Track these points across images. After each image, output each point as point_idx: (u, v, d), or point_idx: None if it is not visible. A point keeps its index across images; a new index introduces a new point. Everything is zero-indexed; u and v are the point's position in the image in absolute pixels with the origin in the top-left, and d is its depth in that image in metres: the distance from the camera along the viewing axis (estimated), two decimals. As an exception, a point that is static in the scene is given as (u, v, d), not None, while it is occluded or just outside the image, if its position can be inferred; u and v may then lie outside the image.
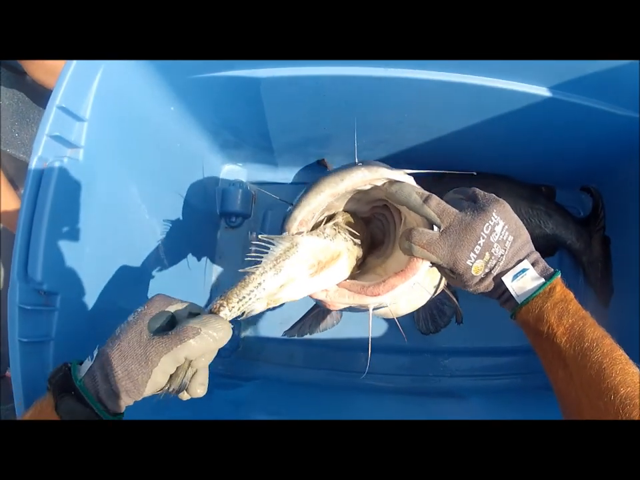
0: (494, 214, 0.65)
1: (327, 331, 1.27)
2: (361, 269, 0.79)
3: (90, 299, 0.84)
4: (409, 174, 0.73)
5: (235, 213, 1.35)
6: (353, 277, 0.75)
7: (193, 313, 0.64)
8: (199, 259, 1.29)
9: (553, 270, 0.67)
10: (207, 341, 0.59)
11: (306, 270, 0.67)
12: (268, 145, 1.23)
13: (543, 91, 0.95)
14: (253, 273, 0.64)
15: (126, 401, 0.60)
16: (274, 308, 0.73)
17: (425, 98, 0.99)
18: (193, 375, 0.63)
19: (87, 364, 0.61)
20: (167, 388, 0.62)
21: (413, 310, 0.90)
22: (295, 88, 0.97)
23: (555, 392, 0.66)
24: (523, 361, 1.30)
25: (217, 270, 1.37)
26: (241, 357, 1.37)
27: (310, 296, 0.71)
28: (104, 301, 0.88)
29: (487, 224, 0.64)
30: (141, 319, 0.61)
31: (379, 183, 0.69)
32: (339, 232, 0.72)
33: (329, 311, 1.13)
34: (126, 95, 0.87)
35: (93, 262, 0.84)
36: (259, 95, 0.99)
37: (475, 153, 1.22)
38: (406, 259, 0.71)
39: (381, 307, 0.76)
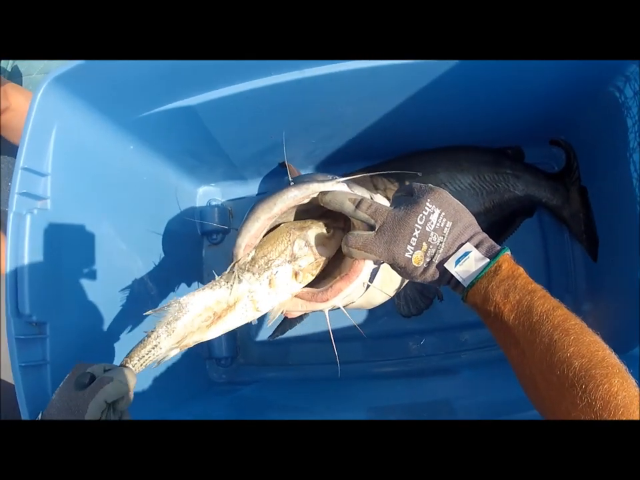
0: (427, 203, 0.65)
1: (319, 326, 1.36)
2: (322, 275, 0.81)
3: (77, 323, 0.95)
4: (342, 181, 0.76)
5: (215, 230, 1.44)
6: (311, 283, 0.78)
7: (107, 369, 0.73)
8: (187, 279, 1.38)
9: (499, 248, 0.66)
10: (118, 384, 0.70)
11: (202, 322, 0.73)
12: (228, 161, 1.32)
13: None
14: (149, 336, 0.73)
15: None
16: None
17: (356, 88, 1.02)
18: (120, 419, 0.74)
19: None
20: None
21: (388, 298, 0.92)
22: (228, 106, 1.04)
23: (513, 370, 0.65)
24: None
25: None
26: (241, 364, 1.46)
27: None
28: (91, 324, 0.99)
29: (421, 215, 0.65)
30: (68, 382, 0.72)
31: (314, 196, 0.73)
32: (240, 275, 0.74)
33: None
34: (83, 144, 0.97)
35: (73, 291, 0.95)
36: (199, 119, 1.07)
37: (429, 130, 1.24)
38: (351, 262, 0.74)
39: (336, 308, 0.78)
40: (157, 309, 0.73)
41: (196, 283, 1.42)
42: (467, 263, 0.65)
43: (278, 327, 1.27)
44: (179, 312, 0.72)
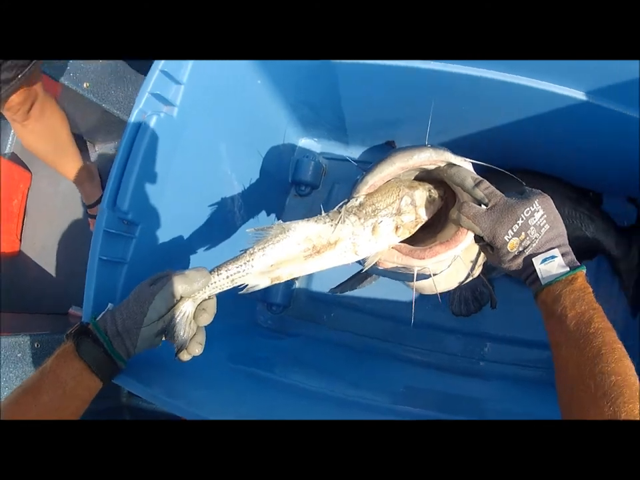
0: (536, 202, 0.72)
1: (373, 300, 1.38)
2: (413, 239, 0.83)
3: (165, 234, 0.97)
4: (469, 161, 0.81)
5: (305, 182, 1.45)
6: (403, 242, 0.81)
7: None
8: (267, 218, 1.40)
9: (579, 264, 0.73)
10: (189, 280, 0.72)
11: (300, 253, 0.74)
12: (341, 124, 1.31)
13: (595, 99, 0.97)
14: (244, 252, 0.74)
15: (127, 345, 0.73)
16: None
17: (485, 95, 1.02)
18: (193, 336, 0.75)
19: (102, 314, 0.76)
20: (164, 333, 0.74)
21: (450, 288, 0.97)
22: (369, 74, 1.04)
23: (555, 368, 0.72)
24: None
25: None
26: (291, 314, 1.47)
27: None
28: (177, 237, 1.01)
29: (528, 209, 0.72)
30: (146, 280, 0.76)
31: (441, 164, 0.77)
32: (346, 216, 0.76)
33: (368, 275, 1.21)
34: (219, 65, 0.97)
35: (172, 202, 0.96)
36: (336, 79, 1.07)
37: (528, 151, 1.25)
38: (453, 233, 0.79)
39: (423, 275, 0.82)
40: (257, 227, 0.74)
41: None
42: (551, 265, 0.72)
43: (343, 283, 1.27)
44: (280, 234, 0.73)
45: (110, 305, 0.77)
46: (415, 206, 0.79)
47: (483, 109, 1.11)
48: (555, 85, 0.95)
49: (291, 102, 1.26)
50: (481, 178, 0.76)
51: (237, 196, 1.21)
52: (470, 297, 1.30)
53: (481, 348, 1.38)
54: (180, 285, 0.72)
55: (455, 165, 0.77)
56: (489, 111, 1.12)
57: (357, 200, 0.77)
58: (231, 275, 0.73)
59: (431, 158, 0.76)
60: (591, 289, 0.71)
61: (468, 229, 0.76)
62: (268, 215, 1.41)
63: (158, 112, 0.87)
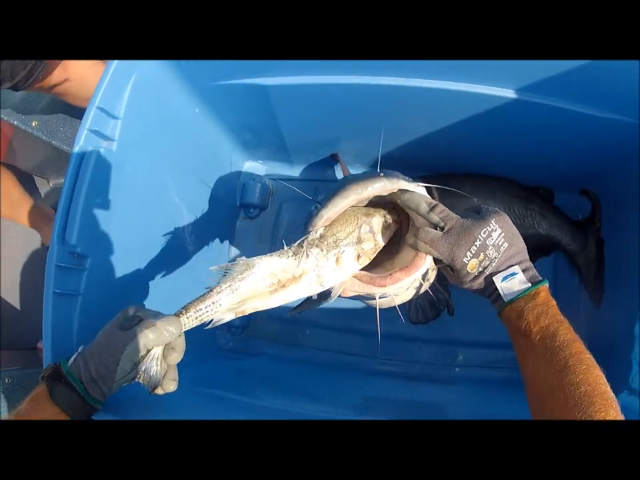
0: (492, 222, 0.73)
1: (334, 316, 1.39)
2: (371, 263, 0.84)
3: (117, 264, 0.99)
4: (423, 185, 0.82)
5: (253, 204, 1.48)
6: (363, 269, 0.82)
7: (156, 314, 0.74)
8: (219, 242, 1.43)
9: (541, 279, 0.74)
10: (160, 332, 0.71)
11: (266, 288, 0.75)
12: (283, 145, 1.35)
13: (541, 99, 1.00)
14: (211, 291, 0.74)
15: (102, 389, 0.72)
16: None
17: (419, 104, 1.07)
18: (165, 373, 0.75)
19: (73, 358, 0.74)
20: (134, 376, 0.73)
21: (407, 299, 0.95)
22: (303, 95, 1.08)
23: (524, 382, 0.72)
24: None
25: (233, 254, 1.50)
26: (251, 334, 1.48)
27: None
28: (129, 267, 1.03)
29: (485, 229, 0.72)
30: (114, 322, 0.74)
31: (394, 190, 0.78)
32: (309, 249, 0.77)
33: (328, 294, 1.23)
34: (156, 97, 1.01)
35: (120, 233, 0.98)
36: (269, 100, 1.11)
37: (474, 156, 1.28)
38: (411, 257, 0.80)
39: (385, 297, 0.84)
40: (222, 265, 0.74)
41: (226, 249, 1.48)
42: (512, 282, 0.73)
43: (301, 304, 1.29)
44: (245, 271, 0.74)
45: (80, 347, 0.77)
46: (373, 233, 0.81)
47: (418, 117, 1.15)
48: (484, 86, 0.99)
49: (231, 126, 1.30)
50: (435, 202, 0.77)
51: (186, 223, 1.24)
52: (427, 305, 1.31)
53: (446, 354, 1.40)
54: (151, 336, 0.71)
55: (407, 191, 0.78)
56: (425, 118, 1.16)
57: (317, 232, 0.78)
58: (200, 316, 0.74)
59: (385, 187, 0.77)
60: (554, 302, 0.72)
61: (426, 253, 0.77)
62: (219, 238, 1.44)
63: (98, 147, 0.90)
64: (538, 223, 1.32)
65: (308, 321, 1.44)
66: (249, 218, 1.52)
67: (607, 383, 0.65)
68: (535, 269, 0.75)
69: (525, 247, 0.77)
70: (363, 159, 1.43)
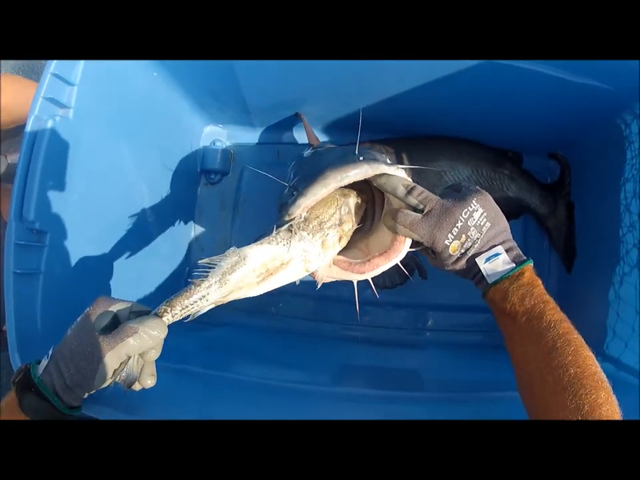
0: (474, 202, 0.71)
1: (303, 282, 1.37)
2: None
3: (78, 239, 0.95)
4: (402, 167, 0.78)
5: (215, 170, 1.44)
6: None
7: (134, 311, 0.69)
8: (179, 212, 1.39)
9: (525, 258, 0.72)
10: (143, 339, 0.64)
11: (253, 278, 0.70)
12: (244, 106, 1.31)
13: (515, 62, 0.98)
14: (199, 285, 0.67)
15: (79, 394, 0.67)
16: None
17: (391, 67, 1.04)
18: (142, 368, 0.69)
19: (44, 362, 0.68)
20: (114, 380, 0.67)
21: None
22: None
23: (513, 366, 0.71)
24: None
25: (196, 225, 1.47)
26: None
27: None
28: (88, 242, 0.99)
29: (466, 209, 0.70)
30: (87, 319, 0.66)
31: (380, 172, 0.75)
32: (294, 233, 0.73)
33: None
34: (112, 63, 0.96)
35: (79, 207, 0.94)
36: (231, 63, 1.08)
37: (442, 118, 1.28)
38: (387, 237, 0.77)
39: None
40: (212, 257, 0.69)
41: (188, 220, 1.44)
42: (495, 263, 0.71)
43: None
44: (237, 264, 0.69)
45: (50, 350, 0.69)
46: (351, 213, 0.78)
47: (385, 81, 1.14)
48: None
49: (191, 91, 1.25)
50: (413, 184, 0.74)
51: (146, 192, 1.19)
52: (394, 270, 1.29)
53: (419, 319, 1.41)
54: (133, 342, 0.64)
55: (384, 174, 0.75)
56: (393, 86, 1.15)
57: (301, 216, 0.74)
58: (185, 312, 0.68)
59: (367, 173, 0.73)
60: (540, 282, 0.71)
61: (405, 237, 0.75)
62: (180, 206, 1.40)
63: (53, 116, 0.85)
64: (507, 186, 1.33)
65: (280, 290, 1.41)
66: (211, 184, 1.48)
67: (597, 363, 0.64)
68: (519, 249, 0.74)
69: (508, 226, 0.75)
70: (325, 122, 1.41)
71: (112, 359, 0.64)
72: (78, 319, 0.68)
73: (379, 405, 0.94)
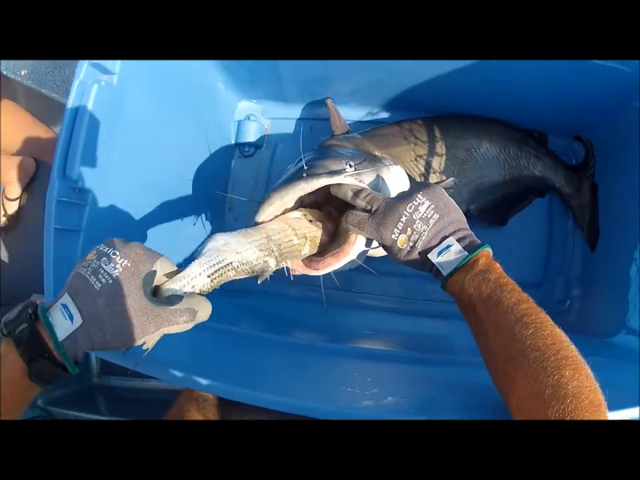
0: (419, 195, 0.74)
1: None
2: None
3: (117, 200, 0.98)
4: (349, 174, 0.86)
5: (249, 143, 1.47)
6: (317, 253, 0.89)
7: (167, 273, 0.65)
8: (214, 182, 1.43)
9: (480, 243, 0.72)
10: (193, 324, 0.64)
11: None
12: (278, 81, 1.34)
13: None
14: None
15: (91, 350, 0.62)
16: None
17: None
18: None
19: (62, 322, 0.60)
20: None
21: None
22: None
23: (483, 359, 0.70)
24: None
25: (230, 196, 1.50)
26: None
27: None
28: (126, 205, 1.02)
29: (410, 204, 0.73)
30: (134, 279, 0.61)
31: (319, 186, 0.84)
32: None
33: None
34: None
35: (119, 171, 0.98)
36: None
37: (470, 97, 1.29)
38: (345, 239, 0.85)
39: (376, 247, 0.88)
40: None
41: (223, 190, 1.47)
42: (448, 255, 0.72)
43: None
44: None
45: (72, 307, 0.60)
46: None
47: (420, 65, 1.16)
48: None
49: (225, 64, 1.28)
50: (361, 186, 0.82)
51: (182, 160, 1.23)
52: None
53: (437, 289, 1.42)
54: (184, 327, 0.63)
55: (335, 184, 0.84)
56: (427, 66, 1.17)
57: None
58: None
59: (304, 189, 0.84)
60: (497, 265, 0.70)
61: (356, 234, 0.81)
62: (215, 176, 1.43)
63: (98, 80, 0.89)
64: (533, 165, 1.35)
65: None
66: (245, 157, 1.51)
67: (564, 339, 0.61)
68: (473, 237, 0.74)
69: (462, 216, 0.76)
70: (357, 100, 1.43)
71: (161, 334, 0.63)
72: (116, 272, 0.61)
73: (413, 366, 0.96)
